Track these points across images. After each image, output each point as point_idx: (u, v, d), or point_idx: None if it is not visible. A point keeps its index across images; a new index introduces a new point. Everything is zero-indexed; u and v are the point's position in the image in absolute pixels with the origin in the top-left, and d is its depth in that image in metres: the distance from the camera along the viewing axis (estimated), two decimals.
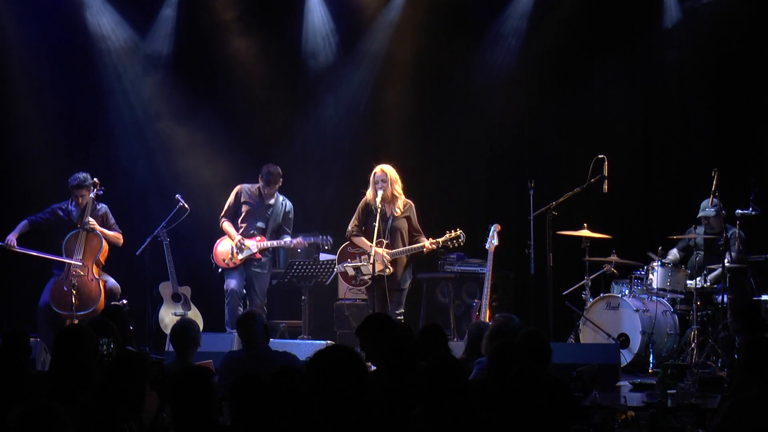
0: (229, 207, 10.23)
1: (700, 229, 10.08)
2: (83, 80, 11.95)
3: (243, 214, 10.18)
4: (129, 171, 11.88)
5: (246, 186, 10.27)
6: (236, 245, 10.06)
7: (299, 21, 12.04)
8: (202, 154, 11.74)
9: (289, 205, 10.29)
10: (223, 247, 10.16)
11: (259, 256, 10.09)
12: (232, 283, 10.08)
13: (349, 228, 9.68)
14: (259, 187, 10.21)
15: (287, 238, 10.12)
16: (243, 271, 10.13)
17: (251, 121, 12.09)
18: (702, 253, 10.04)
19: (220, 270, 10.22)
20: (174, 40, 11.95)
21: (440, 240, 9.46)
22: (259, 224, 10.16)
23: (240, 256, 10.08)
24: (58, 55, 11.72)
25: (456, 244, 9.53)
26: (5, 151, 11.86)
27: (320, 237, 10.07)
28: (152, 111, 11.91)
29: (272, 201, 10.19)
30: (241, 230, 10.14)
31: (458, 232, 9.43)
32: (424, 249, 9.47)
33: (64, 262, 9.95)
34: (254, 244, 10.06)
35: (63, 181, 10.40)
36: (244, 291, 10.18)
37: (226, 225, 10.19)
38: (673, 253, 10.28)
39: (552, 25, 11.58)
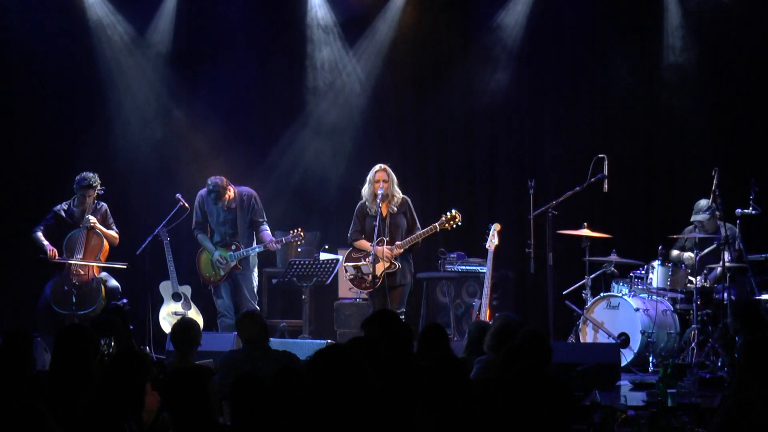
0: (195, 218, 10.24)
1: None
2: (83, 76, 11.94)
3: (211, 226, 10.21)
4: (129, 169, 11.88)
5: (203, 192, 10.22)
6: (215, 262, 10.07)
7: (302, 16, 12.04)
8: (203, 152, 11.74)
9: (249, 194, 10.20)
10: (204, 263, 10.22)
11: (239, 267, 10.09)
12: (221, 301, 10.14)
13: (349, 234, 9.70)
14: None
15: (263, 238, 10.03)
16: (229, 282, 10.16)
17: (252, 118, 12.08)
18: (701, 253, 10.02)
19: (210, 288, 10.24)
20: (174, 34, 11.95)
21: (437, 224, 9.45)
22: (229, 231, 10.15)
23: (222, 273, 10.09)
24: (57, 50, 11.71)
25: (454, 225, 9.49)
26: (4, 149, 11.88)
27: (290, 234, 10.02)
28: (153, 108, 11.91)
29: (233, 205, 10.15)
30: (215, 242, 10.14)
31: (454, 213, 9.41)
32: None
33: (64, 263, 9.93)
34: (232, 256, 10.06)
35: (62, 179, 10.39)
36: (234, 299, 10.18)
37: (201, 238, 10.22)
38: (677, 254, 10.27)
39: (552, 25, 11.59)
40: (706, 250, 9.87)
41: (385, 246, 9.42)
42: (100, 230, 10.06)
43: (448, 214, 9.42)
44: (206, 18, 12.14)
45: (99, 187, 10.13)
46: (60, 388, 5.29)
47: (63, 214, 10.15)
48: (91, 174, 10.12)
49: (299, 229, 10.01)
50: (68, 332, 5.83)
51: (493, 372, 5.63)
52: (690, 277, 9.79)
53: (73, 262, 9.93)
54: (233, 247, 10.07)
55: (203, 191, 10.22)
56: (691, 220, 10.04)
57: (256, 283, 10.33)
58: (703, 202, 9.92)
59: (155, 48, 11.95)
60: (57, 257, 9.93)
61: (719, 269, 9.50)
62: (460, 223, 9.45)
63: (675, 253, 10.26)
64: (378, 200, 9.42)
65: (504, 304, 10.30)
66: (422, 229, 9.54)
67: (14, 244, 11.42)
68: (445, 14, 11.76)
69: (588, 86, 11.56)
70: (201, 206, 10.20)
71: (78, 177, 10.13)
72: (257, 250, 10.10)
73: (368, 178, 9.59)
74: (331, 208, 11.90)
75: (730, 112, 11.11)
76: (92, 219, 10.03)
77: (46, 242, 9.99)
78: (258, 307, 10.12)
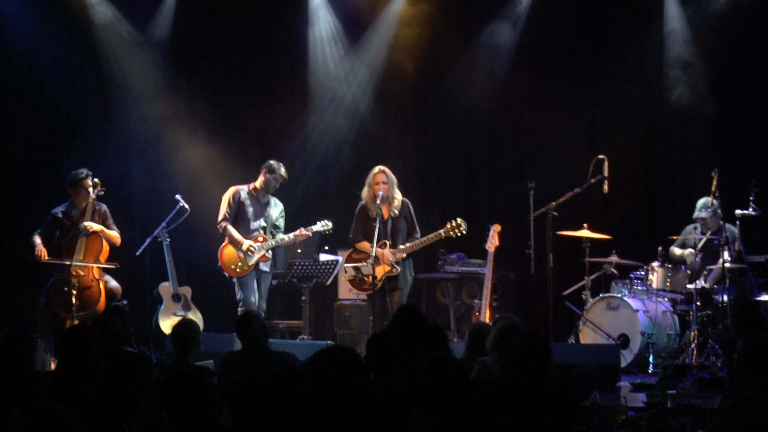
0: (228, 210, 10.09)
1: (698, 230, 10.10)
2: (83, 76, 11.95)
3: (246, 216, 10.09)
4: (129, 171, 11.88)
5: (241, 188, 10.15)
6: (246, 251, 9.91)
7: (303, 16, 12.04)
8: (202, 153, 11.75)
9: (281, 205, 10.21)
10: (230, 255, 9.99)
11: (267, 257, 10.01)
12: (247, 293, 9.93)
13: (351, 235, 9.70)
14: (254, 187, 10.15)
15: (290, 235, 10.00)
16: (254, 276, 10.01)
17: (251, 119, 12.09)
18: (701, 254, 10.02)
19: (234, 280, 10.09)
20: (174, 32, 11.96)
21: (441, 232, 9.47)
22: (261, 223, 10.10)
23: (251, 261, 9.97)
24: (57, 49, 11.73)
25: (458, 233, 9.52)
26: (3, 150, 11.89)
27: (318, 224, 9.98)
28: (152, 108, 11.90)
29: (267, 200, 10.14)
30: (247, 233, 10.04)
31: (459, 221, 9.44)
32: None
33: (64, 264, 9.91)
34: (260, 246, 10.00)
35: (62, 180, 10.38)
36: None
37: (231, 229, 9.98)
38: (679, 252, 10.27)
39: (552, 24, 11.60)
40: (701, 243, 9.86)
41: (387, 249, 9.42)
42: (101, 231, 10.01)
43: (454, 222, 9.44)
44: (207, 16, 12.15)
45: (96, 189, 10.08)
46: (65, 388, 5.30)
47: (61, 215, 10.12)
48: (80, 170, 10.05)
49: (328, 221, 9.97)
50: (72, 332, 5.85)
51: (494, 374, 5.63)
52: (689, 285, 9.79)
53: (65, 262, 9.89)
54: (260, 239, 10.00)
55: (238, 186, 10.13)
56: (694, 216, 10.04)
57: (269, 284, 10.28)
58: (705, 200, 9.93)
59: (156, 45, 11.94)
60: (46, 257, 9.89)
61: (718, 270, 9.49)
62: (465, 232, 9.48)
63: (676, 251, 10.26)
64: (378, 202, 9.43)
65: (504, 305, 10.30)
66: (420, 232, 9.56)
67: (14, 245, 11.42)
68: (445, 15, 11.76)
69: (588, 86, 11.56)
70: (236, 199, 10.07)
71: (69, 175, 10.09)
72: (284, 239, 9.96)
73: (367, 180, 9.60)
74: (330, 209, 11.89)
75: (730, 112, 11.12)
76: (89, 225, 9.96)
77: (38, 243, 9.94)
78: (265, 307, 10.09)
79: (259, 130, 12.07)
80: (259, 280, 10.04)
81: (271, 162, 10.09)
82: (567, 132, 11.52)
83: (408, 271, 9.59)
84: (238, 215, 10.06)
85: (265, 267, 10.03)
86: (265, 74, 12.13)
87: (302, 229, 9.97)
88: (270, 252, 10.07)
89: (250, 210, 10.06)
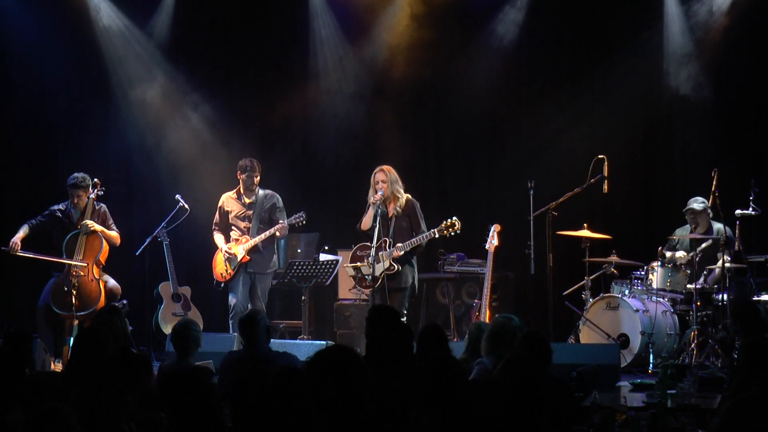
0: (217, 218, 10.19)
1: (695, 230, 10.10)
2: (83, 75, 11.95)
3: (230, 223, 10.12)
4: (129, 170, 11.88)
5: (227, 194, 10.19)
6: (224, 256, 10.01)
7: (303, 13, 12.05)
8: (203, 152, 11.75)
9: (274, 196, 10.16)
10: (218, 261, 10.10)
11: (246, 258, 10.02)
12: (235, 298, 9.98)
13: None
14: (237, 190, 10.15)
15: (265, 233, 9.96)
16: (245, 279, 10.03)
17: (252, 119, 12.09)
18: (700, 254, 9.99)
19: (222, 285, 10.12)
20: (173, 29, 11.96)
21: (436, 230, 9.43)
22: (244, 225, 10.11)
23: (232, 266, 10.00)
24: (57, 48, 11.72)
25: (452, 232, 9.46)
26: (3, 149, 11.89)
27: (293, 216, 9.98)
28: (152, 108, 11.90)
29: (252, 199, 10.12)
30: (233, 238, 10.08)
31: (453, 220, 9.37)
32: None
33: (64, 263, 9.92)
34: (240, 249, 10.02)
35: (61, 179, 10.39)
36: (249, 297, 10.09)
37: (215, 236, 10.13)
38: (670, 255, 10.28)
39: (552, 24, 11.59)
40: (701, 247, 9.85)
41: (388, 248, 9.40)
42: (101, 232, 10.02)
43: (448, 221, 9.38)
44: (206, 14, 12.15)
45: (96, 189, 10.08)
46: (74, 389, 5.31)
47: (59, 214, 10.13)
48: (81, 174, 10.07)
49: (302, 213, 9.94)
50: (87, 335, 5.86)
51: (494, 374, 5.63)
52: (688, 285, 9.78)
53: (27, 255, 9.90)
54: (244, 240, 10.01)
55: (226, 193, 10.18)
56: (684, 210, 10.02)
57: (269, 285, 10.26)
58: (700, 198, 9.96)
59: (156, 43, 11.94)
60: (18, 251, 9.90)
61: (718, 270, 9.50)
62: (459, 231, 9.41)
63: (668, 254, 10.26)
64: (377, 201, 9.41)
65: (504, 305, 10.30)
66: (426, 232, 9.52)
67: None
68: (445, 14, 11.75)
69: (588, 86, 11.55)
70: (221, 207, 10.16)
71: (69, 177, 10.10)
72: (261, 237, 9.96)
73: (371, 180, 9.58)
74: (330, 209, 11.90)
75: (730, 112, 11.12)
76: (90, 223, 9.98)
77: (15, 236, 9.96)
78: (265, 308, 10.09)
79: (260, 127, 12.07)
80: (253, 282, 10.04)
81: (240, 163, 10.13)
82: (567, 132, 11.51)
83: (410, 273, 9.51)
84: (226, 224, 10.12)
85: (258, 270, 10.04)
86: (264, 71, 12.11)
87: (279, 222, 9.96)
88: (262, 249, 10.04)
89: (233, 214, 10.11)
